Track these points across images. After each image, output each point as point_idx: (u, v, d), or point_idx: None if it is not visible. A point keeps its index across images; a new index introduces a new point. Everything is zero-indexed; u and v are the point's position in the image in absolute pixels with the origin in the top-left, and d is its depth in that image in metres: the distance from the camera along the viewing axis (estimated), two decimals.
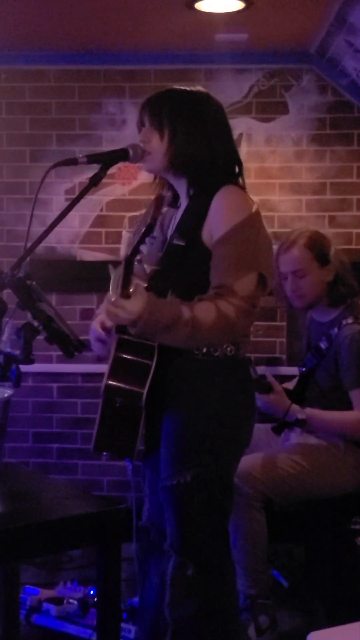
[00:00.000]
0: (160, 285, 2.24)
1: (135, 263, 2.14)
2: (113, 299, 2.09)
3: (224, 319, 2.13)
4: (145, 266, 2.29)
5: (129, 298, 2.07)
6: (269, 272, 2.24)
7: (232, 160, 2.34)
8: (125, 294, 2.08)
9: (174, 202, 2.43)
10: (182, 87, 2.36)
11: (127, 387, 2.22)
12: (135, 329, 2.12)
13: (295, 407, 3.03)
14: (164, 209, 2.15)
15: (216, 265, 2.20)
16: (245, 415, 2.31)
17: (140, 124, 2.36)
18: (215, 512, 2.28)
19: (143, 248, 2.11)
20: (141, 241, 2.10)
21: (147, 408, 2.26)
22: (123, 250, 2.17)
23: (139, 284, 2.12)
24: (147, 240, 2.10)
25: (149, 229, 2.10)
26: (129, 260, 2.09)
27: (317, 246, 3.11)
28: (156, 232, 2.13)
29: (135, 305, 2.07)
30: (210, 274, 2.21)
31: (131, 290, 2.09)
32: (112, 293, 2.12)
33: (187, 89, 2.36)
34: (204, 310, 2.13)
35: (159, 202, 2.13)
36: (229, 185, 2.25)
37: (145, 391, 2.21)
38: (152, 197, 2.43)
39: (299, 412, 3.02)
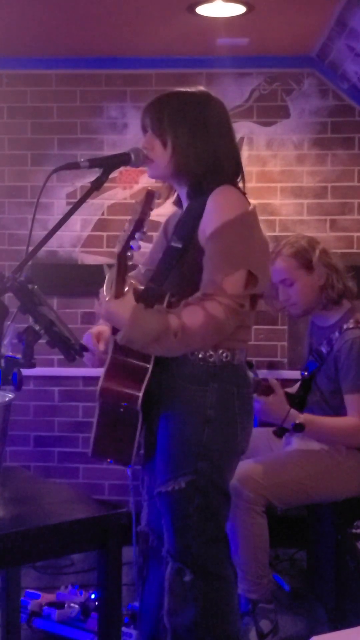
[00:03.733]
0: (157, 288, 2.24)
1: (130, 263, 2.14)
2: (107, 299, 2.11)
3: (213, 320, 2.13)
4: (140, 266, 2.29)
5: (119, 298, 2.09)
6: (261, 271, 2.22)
7: (234, 161, 2.34)
8: (119, 294, 2.09)
9: (179, 203, 2.43)
10: (183, 90, 2.35)
11: (123, 390, 2.22)
12: (120, 338, 2.13)
13: (293, 412, 3.03)
14: (155, 205, 2.14)
15: (206, 261, 2.20)
16: (241, 422, 2.30)
17: (144, 130, 2.36)
18: (211, 518, 2.27)
19: (134, 244, 2.09)
20: (131, 237, 2.08)
21: (144, 412, 2.26)
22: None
23: (130, 290, 2.13)
24: (136, 235, 2.08)
25: (139, 224, 2.08)
26: (121, 256, 2.08)
27: (301, 253, 3.12)
28: (146, 228, 2.11)
29: (120, 307, 2.10)
30: (203, 271, 2.21)
31: (125, 290, 2.10)
32: (105, 291, 2.13)
33: (188, 90, 2.34)
34: (192, 316, 2.13)
35: (149, 197, 2.12)
36: (224, 185, 2.25)
37: (141, 394, 2.20)
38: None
39: (297, 417, 3.02)
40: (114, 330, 2.24)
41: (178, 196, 2.42)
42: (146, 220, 2.10)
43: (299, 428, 3.02)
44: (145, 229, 2.10)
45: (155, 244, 2.53)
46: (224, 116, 2.34)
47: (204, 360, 2.25)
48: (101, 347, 2.33)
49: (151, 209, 2.11)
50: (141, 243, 2.13)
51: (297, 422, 3.00)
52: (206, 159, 2.27)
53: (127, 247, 2.09)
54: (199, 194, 2.28)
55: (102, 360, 2.30)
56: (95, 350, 2.34)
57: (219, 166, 2.28)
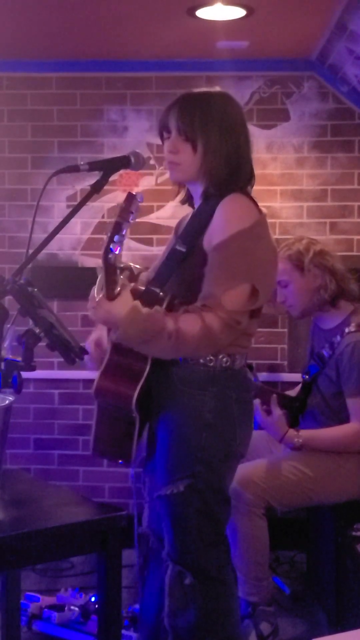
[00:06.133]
0: (158, 290, 2.23)
1: (122, 266, 2.14)
2: (97, 299, 2.11)
3: (208, 332, 2.13)
4: (133, 266, 2.29)
5: (114, 299, 2.08)
6: (263, 285, 2.20)
7: (250, 164, 2.32)
8: (110, 296, 2.08)
9: (191, 201, 2.41)
10: (205, 90, 2.32)
11: (117, 389, 2.22)
12: (116, 336, 2.13)
13: (291, 432, 3.05)
14: (137, 208, 2.13)
15: (208, 273, 2.19)
16: (239, 426, 2.29)
17: (164, 130, 2.30)
18: (211, 521, 2.27)
19: (113, 246, 2.08)
20: (110, 240, 2.08)
21: (146, 415, 2.26)
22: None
23: (125, 287, 2.13)
24: (116, 238, 2.08)
25: (117, 227, 2.08)
26: (106, 259, 2.08)
27: (295, 255, 3.13)
28: (126, 231, 2.10)
29: (116, 308, 2.09)
30: (204, 281, 2.20)
31: (116, 291, 2.09)
32: (96, 294, 2.13)
33: (211, 91, 2.32)
34: (189, 323, 2.13)
35: (128, 200, 2.10)
36: (235, 194, 2.23)
37: (135, 394, 2.20)
38: (152, 204, 2.43)
39: (295, 437, 3.05)
40: (110, 331, 2.24)
41: (188, 195, 2.40)
42: (125, 224, 2.09)
43: (297, 449, 3.04)
44: (124, 232, 2.09)
45: (167, 246, 2.52)
46: (243, 116, 2.33)
47: (204, 365, 2.24)
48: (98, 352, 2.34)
49: (132, 212, 2.10)
50: (137, 245, 2.12)
51: (296, 444, 3.03)
52: (231, 161, 2.26)
53: (107, 250, 2.08)
54: (212, 197, 2.25)
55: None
56: (97, 358, 2.35)
57: (240, 168, 2.27)
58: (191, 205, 2.41)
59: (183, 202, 2.44)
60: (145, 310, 2.13)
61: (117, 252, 2.08)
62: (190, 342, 2.14)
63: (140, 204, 2.13)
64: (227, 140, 2.25)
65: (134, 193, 2.13)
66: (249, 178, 2.32)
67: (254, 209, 2.24)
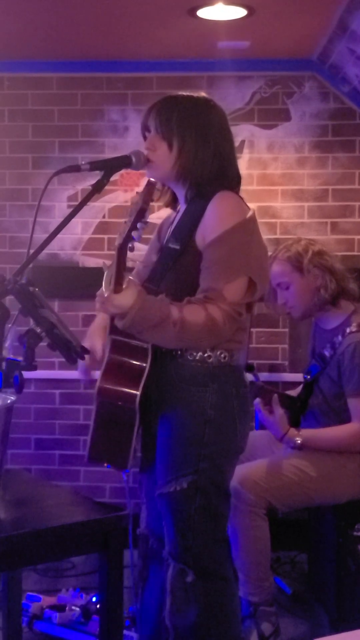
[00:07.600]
0: (154, 288, 2.24)
1: (129, 265, 2.13)
2: (106, 294, 2.10)
3: (212, 323, 2.14)
4: (138, 263, 2.27)
5: (121, 292, 2.08)
6: (260, 278, 2.24)
7: (235, 168, 2.35)
8: (117, 290, 2.08)
9: (173, 204, 2.43)
10: (188, 94, 2.35)
11: (120, 389, 2.22)
12: (123, 323, 2.12)
13: (292, 432, 3.05)
14: (156, 195, 2.13)
15: (206, 268, 2.21)
16: (239, 421, 2.30)
17: (145, 130, 2.35)
18: (213, 518, 2.28)
19: (135, 234, 2.07)
20: (133, 227, 2.06)
21: (142, 414, 2.26)
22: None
23: (132, 280, 2.12)
24: (138, 225, 2.06)
25: (140, 213, 2.06)
26: (122, 248, 2.07)
27: (295, 256, 3.13)
28: (148, 218, 2.09)
29: (125, 299, 2.08)
30: (200, 276, 2.21)
31: (124, 286, 2.09)
32: (104, 288, 2.12)
33: (193, 95, 2.35)
34: (193, 313, 2.14)
35: (149, 187, 2.10)
36: (225, 191, 2.26)
37: (139, 393, 2.20)
38: (153, 203, 2.43)
39: (296, 436, 3.05)
40: (112, 329, 2.23)
41: (172, 197, 2.42)
42: (147, 211, 2.08)
43: (298, 448, 3.04)
44: (146, 219, 2.07)
45: (150, 247, 2.53)
46: (226, 123, 2.36)
47: (202, 362, 2.26)
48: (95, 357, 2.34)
49: (152, 200, 2.10)
50: (137, 244, 2.12)
51: (297, 443, 3.03)
52: (210, 164, 2.28)
53: (129, 237, 2.06)
54: (198, 198, 2.28)
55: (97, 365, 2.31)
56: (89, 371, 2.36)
57: (222, 172, 2.30)
58: (173, 208, 2.44)
59: (166, 204, 2.46)
60: (150, 296, 2.14)
61: (137, 240, 2.07)
62: (194, 331, 2.14)
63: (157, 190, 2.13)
64: (204, 143, 2.27)
65: (154, 181, 2.12)
66: (236, 181, 2.34)
67: (243, 205, 2.28)
